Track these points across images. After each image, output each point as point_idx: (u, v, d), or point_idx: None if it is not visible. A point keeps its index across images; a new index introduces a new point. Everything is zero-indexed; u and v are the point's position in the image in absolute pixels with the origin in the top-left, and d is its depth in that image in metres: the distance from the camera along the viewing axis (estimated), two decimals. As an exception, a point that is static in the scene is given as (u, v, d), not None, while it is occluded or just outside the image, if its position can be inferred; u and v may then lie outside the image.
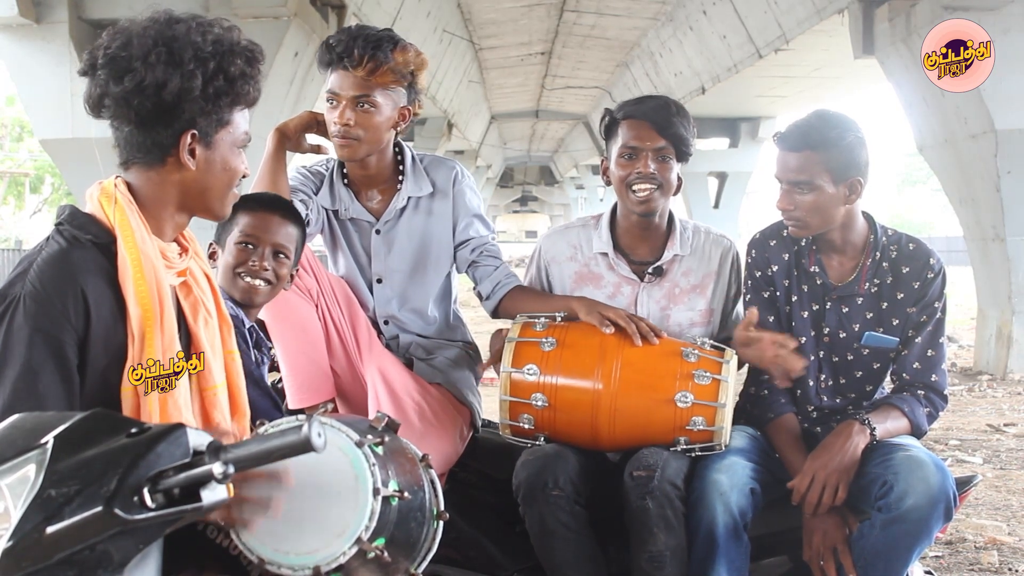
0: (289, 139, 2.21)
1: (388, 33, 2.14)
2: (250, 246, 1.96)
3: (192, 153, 1.41)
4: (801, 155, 2.03)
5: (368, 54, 2.08)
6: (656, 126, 2.16)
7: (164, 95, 1.35)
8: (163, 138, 1.39)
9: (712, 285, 2.28)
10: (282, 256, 1.99)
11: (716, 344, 2.05)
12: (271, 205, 2.00)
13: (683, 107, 2.23)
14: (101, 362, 1.33)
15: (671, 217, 2.30)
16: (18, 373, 1.27)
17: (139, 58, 1.35)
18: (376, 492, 1.24)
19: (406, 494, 1.30)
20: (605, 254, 2.29)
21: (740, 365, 2.11)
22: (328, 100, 2.15)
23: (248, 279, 1.95)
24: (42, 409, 1.25)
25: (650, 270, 2.26)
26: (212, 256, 2.00)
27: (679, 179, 2.23)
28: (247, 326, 1.96)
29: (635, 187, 2.17)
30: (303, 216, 2.11)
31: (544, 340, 2.02)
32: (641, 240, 2.29)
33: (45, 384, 1.27)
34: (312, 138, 2.29)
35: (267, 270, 1.96)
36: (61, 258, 1.34)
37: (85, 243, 1.37)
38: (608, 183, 2.28)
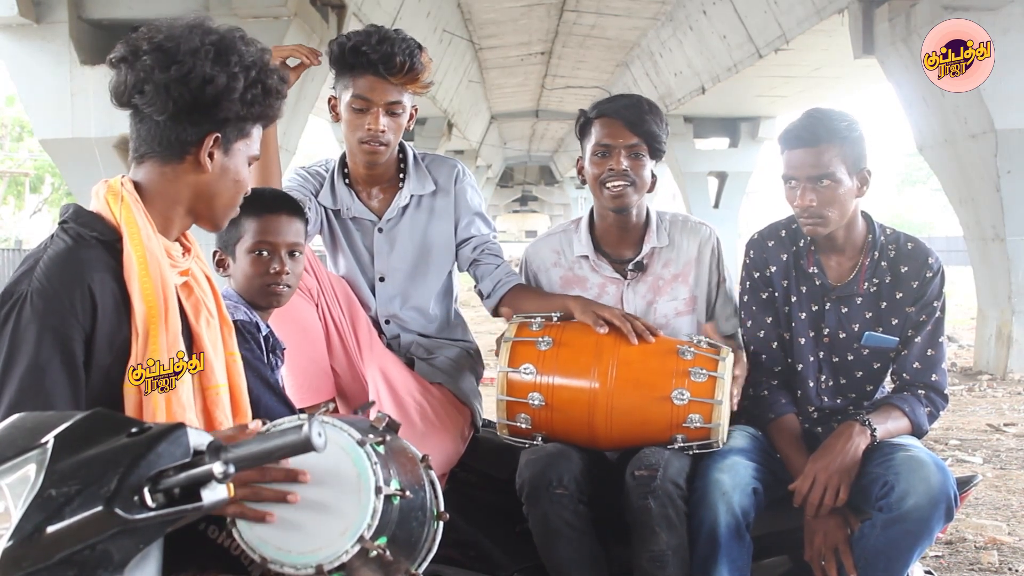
0: None
1: (411, 37, 2.17)
2: (265, 252, 1.93)
3: (211, 156, 1.42)
4: (817, 149, 2.03)
5: (409, 62, 2.12)
6: (628, 124, 2.18)
7: (207, 90, 1.37)
8: (189, 135, 1.40)
9: (693, 272, 2.29)
10: (296, 254, 1.98)
11: (713, 342, 2.05)
12: (275, 206, 1.98)
13: (656, 105, 2.25)
14: (105, 359, 1.33)
15: (648, 213, 2.31)
16: (24, 370, 1.26)
17: (188, 52, 1.36)
18: (378, 491, 1.24)
19: (408, 493, 1.30)
20: (586, 256, 2.30)
21: None
22: (355, 106, 2.14)
23: (272, 286, 1.94)
24: (49, 406, 1.26)
25: (631, 267, 2.28)
26: (221, 264, 1.98)
27: (653, 176, 2.25)
28: (263, 332, 1.96)
29: (608, 184, 2.18)
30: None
31: (540, 340, 2.02)
32: (620, 238, 2.30)
33: (51, 381, 1.27)
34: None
35: (287, 273, 1.95)
36: (67, 255, 1.34)
37: (90, 240, 1.37)
38: (583, 182, 2.29)
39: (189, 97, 1.36)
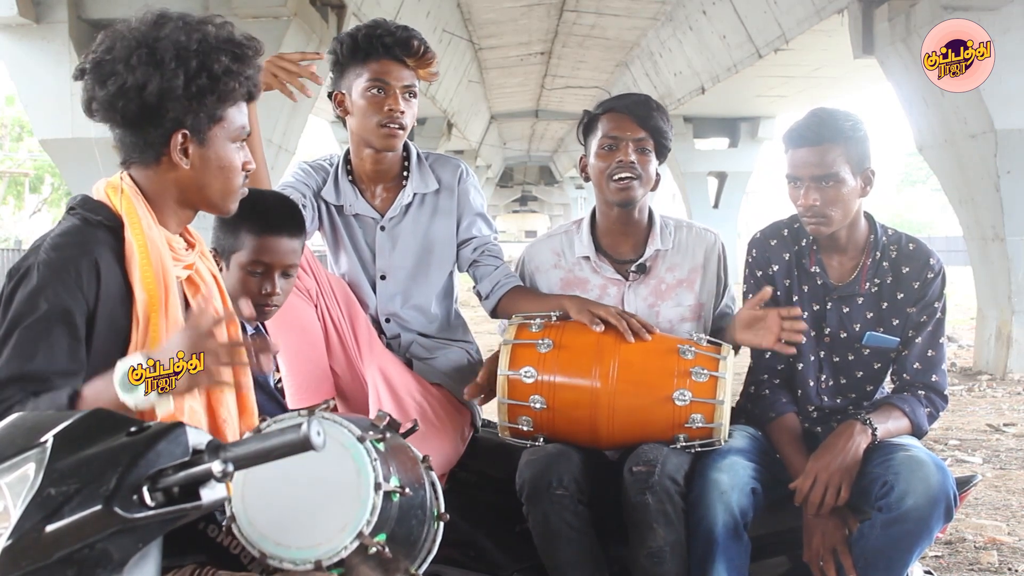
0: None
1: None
2: (259, 272, 1.92)
3: (185, 152, 1.42)
4: (821, 148, 2.03)
5: (424, 46, 2.15)
6: (636, 118, 2.19)
7: (146, 96, 1.36)
8: (154, 138, 1.40)
9: (699, 279, 2.29)
10: (290, 273, 1.97)
11: (713, 340, 2.05)
12: (277, 226, 1.93)
13: (662, 105, 2.26)
14: (106, 342, 1.34)
15: (651, 214, 2.31)
16: (28, 324, 1.28)
17: (121, 60, 1.36)
18: (378, 487, 1.24)
19: (407, 490, 1.30)
20: (587, 257, 2.29)
21: (737, 350, 2.11)
22: (373, 89, 2.14)
23: (261, 306, 1.94)
24: (49, 360, 1.27)
25: (633, 268, 2.27)
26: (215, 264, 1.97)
27: (657, 175, 2.25)
28: (249, 333, 1.96)
29: (615, 176, 2.18)
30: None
31: (540, 342, 2.02)
32: (622, 238, 2.29)
33: (54, 337, 1.28)
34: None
35: (278, 293, 1.94)
36: (75, 232, 1.37)
37: (97, 224, 1.39)
38: (587, 179, 2.29)
39: (133, 107, 1.36)
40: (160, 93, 1.36)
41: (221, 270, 1.95)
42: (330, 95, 2.24)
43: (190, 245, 1.51)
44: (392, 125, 2.15)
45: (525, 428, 2.02)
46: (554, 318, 2.08)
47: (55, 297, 1.29)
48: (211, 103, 1.41)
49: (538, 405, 1.99)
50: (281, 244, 1.92)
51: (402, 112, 2.15)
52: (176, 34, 1.38)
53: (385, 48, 2.13)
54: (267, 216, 1.92)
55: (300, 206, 2.17)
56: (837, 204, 2.05)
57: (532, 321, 2.08)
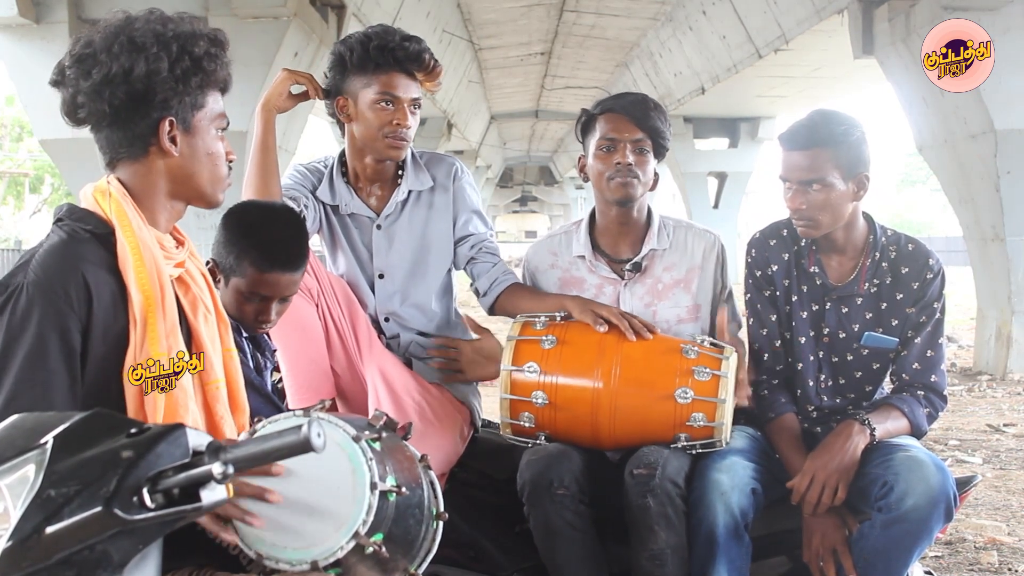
0: (278, 108, 2.18)
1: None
2: (258, 300, 1.92)
3: (173, 140, 1.43)
4: (810, 153, 2.03)
5: (434, 61, 2.17)
6: (634, 119, 2.19)
7: (133, 81, 1.37)
8: (142, 129, 1.41)
9: (696, 280, 2.28)
10: (288, 298, 1.97)
11: (716, 342, 2.05)
12: (282, 263, 1.91)
13: (660, 104, 2.26)
14: (101, 350, 1.34)
15: (650, 213, 2.31)
16: (23, 359, 1.27)
17: (103, 51, 1.37)
18: (373, 486, 1.24)
19: (404, 490, 1.30)
20: (583, 256, 2.29)
21: None
22: (381, 102, 2.15)
23: (255, 327, 1.95)
24: (47, 394, 1.27)
25: (628, 266, 2.27)
26: (211, 274, 1.92)
27: (656, 174, 2.25)
28: (244, 336, 1.95)
29: (613, 179, 2.18)
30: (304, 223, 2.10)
31: (544, 338, 2.02)
32: (620, 238, 2.29)
33: (49, 371, 1.28)
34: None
35: (272, 320, 1.95)
36: (62, 248, 1.36)
37: (84, 235, 1.39)
38: (586, 179, 2.29)
39: (121, 94, 1.37)
40: (147, 76, 1.37)
41: (218, 282, 1.94)
42: (327, 94, 2.23)
43: (179, 243, 1.52)
44: (396, 138, 2.16)
45: (527, 424, 2.03)
46: (559, 317, 2.08)
47: (47, 321, 1.29)
48: (195, 86, 1.43)
49: (540, 401, 2.00)
50: (282, 279, 1.92)
51: (409, 127, 2.17)
52: (151, 25, 1.40)
53: (396, 61, 2.13)
54: (273, 251, 1.91)
55: (302, 207, 2.18)
56: (825, 209, 2.05)
57: (537, 319, 2.09)
